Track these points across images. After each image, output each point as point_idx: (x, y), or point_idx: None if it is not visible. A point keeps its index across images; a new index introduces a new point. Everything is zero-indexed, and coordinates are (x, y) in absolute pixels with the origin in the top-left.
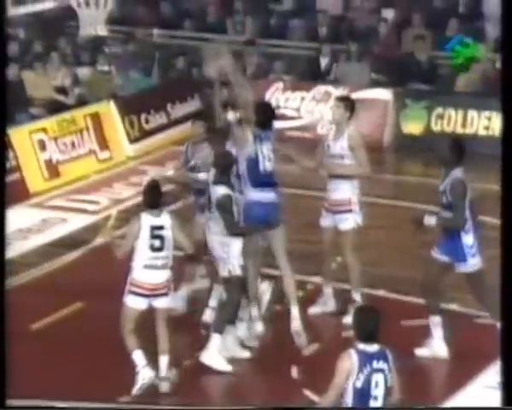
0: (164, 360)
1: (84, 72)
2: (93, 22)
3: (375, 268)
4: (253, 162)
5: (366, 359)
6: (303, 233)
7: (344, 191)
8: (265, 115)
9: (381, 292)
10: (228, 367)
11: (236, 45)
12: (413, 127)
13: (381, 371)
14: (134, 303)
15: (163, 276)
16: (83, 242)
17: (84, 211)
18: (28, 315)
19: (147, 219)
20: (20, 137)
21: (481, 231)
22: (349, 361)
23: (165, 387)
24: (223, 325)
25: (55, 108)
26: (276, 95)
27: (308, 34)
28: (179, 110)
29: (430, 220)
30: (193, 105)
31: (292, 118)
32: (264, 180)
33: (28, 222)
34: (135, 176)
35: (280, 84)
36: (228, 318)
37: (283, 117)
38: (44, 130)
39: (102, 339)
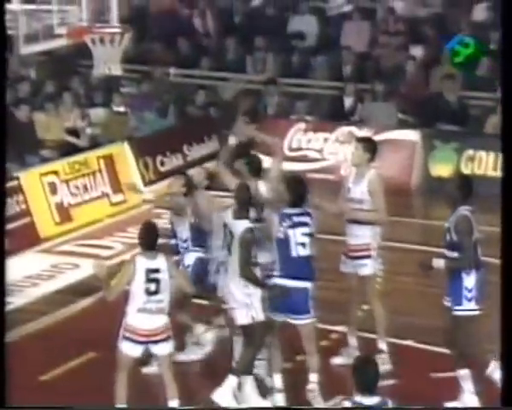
0: (174, 403)
1: (97, 113)
2: (107, 61)
3: (402, 316)
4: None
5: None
6: (326, 280)
7: (363, 237)
8: (297, 192)
9: (408, 342)
10: None
11: (256, 84)
12: (442, 169)
13: None
14: (128, 349)
15: (159, 321)
16: (95, 289)
17: (97, 256)
18: (37, 366)
19: (142, 262)
20: (31, 180)
21: (484, 275)
22: None
23: None
24: (243, 370)
25: (66, 150)
26: (298, 136)
27: (332, 73)
28: (196, 151)
29: (439, 263)
30: (211, 146)
31: (314, 160)
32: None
33: (38, 268)
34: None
35: (302, 125)
36: (249, 364)
37: (305, 159)
38: (56, 172)
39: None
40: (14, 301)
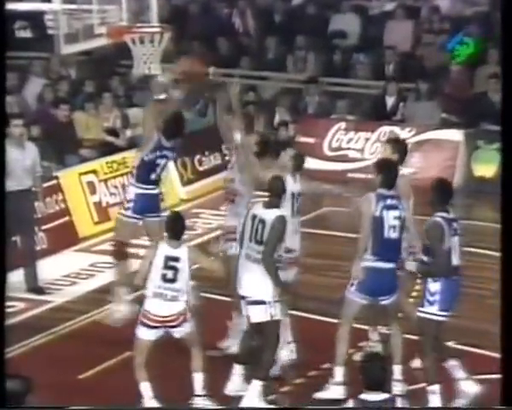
0: (199, 378)
1: (135, 113)
2: (147, 61)
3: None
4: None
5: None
6: None
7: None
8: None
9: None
10: None
11: (297, 83)
12: (485, 170)
13: None
14: (144, 335)
15: (174, 308)
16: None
17: (135, 256)
18: (75, 365)
19: (163, 249)
20: (70, 179)
21: (457, 282)
22: None
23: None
24: (266, 373)
25: (105, 149)
26: (339, 135)
27: (374, 71)
28: None
29: (411, 266)
30: None
31: (355, 159)
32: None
33: (77, 267)
34: (188, 219)
35: (343, 124)
36: (270, 363)
37: (345, 158)
38: (94, 172)
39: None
40: (54, 300)
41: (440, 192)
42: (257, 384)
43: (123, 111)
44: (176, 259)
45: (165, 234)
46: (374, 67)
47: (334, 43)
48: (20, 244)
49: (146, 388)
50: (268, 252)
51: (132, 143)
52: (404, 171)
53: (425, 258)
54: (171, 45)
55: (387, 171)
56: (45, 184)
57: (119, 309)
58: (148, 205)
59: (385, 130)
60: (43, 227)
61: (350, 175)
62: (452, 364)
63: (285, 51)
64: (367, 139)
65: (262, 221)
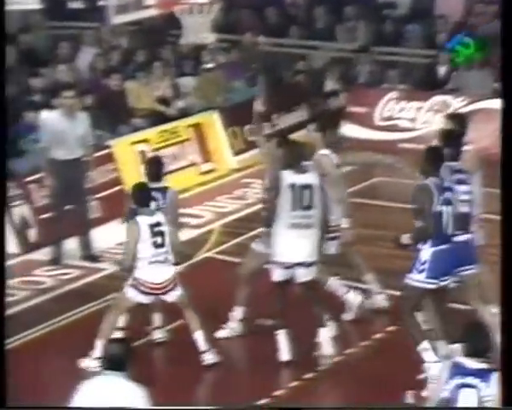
0: (201, 336)
1: (186, 82)
2: (197, 30)
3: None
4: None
5: (460, 371)
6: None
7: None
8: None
9: None
10: None
11: (347, 53)
12: None
13: (474, 387)
14: (134, 296)
15: (168, 272)
16: (185, 257)
17: (186, 225)
18: (128, 333)
19: (143, 220)
20: (122, 148)
21: (451, 252)
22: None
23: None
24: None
25: (157, 119)
26: (390, 105)
27: (425, 41)
28: (285, 121)
29: (405, 239)
30: (299, 115)
31: (406, 129)
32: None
33: None
34: (238, 189)
35: (394, 94)
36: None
37: (397, 128)
38: (146, 141)
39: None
40: (107, 268)
41: (431, 159)
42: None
43: (174, 80)
44: (158, 224)
45: (137, 204)
46: (425, 36)
47: (384, 13)
48: (73, 213)
49: (99, 346)
50: (325, 213)
51: (183, 112)
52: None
53: (415, 223)
54: (220, 15)
55: (452, 140)
56: (98, 154)
57: None
58: None
59: (437, 99)
60: (96, 196)
61: (401, 145)
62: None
63: (334, 21)
64: (418, 109)
65: (307, 186)
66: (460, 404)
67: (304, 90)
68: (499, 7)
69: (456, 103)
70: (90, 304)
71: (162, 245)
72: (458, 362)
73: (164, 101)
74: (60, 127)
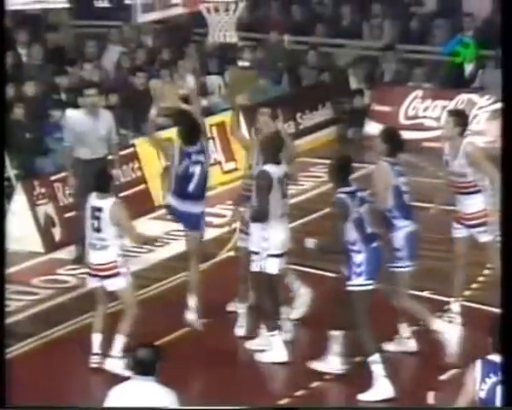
0: (120, 340)
1: (212, 80)
2: (222, 29)
3: None
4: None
5: (492, 369)
6: (430, 250)
7: (476, 204)
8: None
9: None
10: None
11: (373, 51)
12: None
13: None
14: (89, 282)
15: (105, 257)
16: (207, 256)
17: (209, 224)
18: (151, 331)
19: (91, 200)
20: (146, 147)
21: (379, 251)
22: (473, 373)
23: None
24: (274, 323)
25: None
26: (415, 103)
27: (452, 39)
28: (309, 119)
29: (309, 243)
30: (324, 114)
31: (431, 128)
32: None
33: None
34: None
35: (419, 92)
36: (272, 313)
37: (421, 127)
38: (169, 140)
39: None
40: (130, 267)
41: (338, 170)
42: (275, 335)
43: (199, 79)
44: (99, 209)
45: (93, 186)
46: (452, 34)
47: (410, 11)
48: None
49: (97, 339)
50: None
51: (207, 112)
52: (474, 138)
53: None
54: (246, 13)
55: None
56: (122, 152)
57: None
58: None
59: (463, 98)
60: (120, 194)
61: (426, 144)
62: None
63: (360, 19)
64: (444, 107)
65: (284, 177)
66: (499, 403)
67: (329, 88)
68: (499, 7)
69: (483, 102)
70: (113, 303)
71: (98, 230)
72: (489, 360)
73: (188, 100)
74: (83, 126)
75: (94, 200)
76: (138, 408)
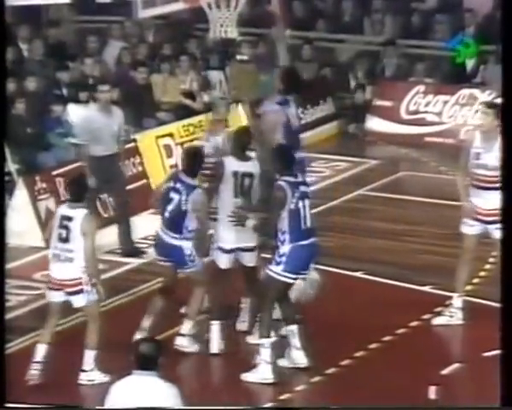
0: (90, 354)
1: (212, 76)
2: (223, 24)
3: None
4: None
5: None
6: (437, 245)
7: (498, 201)
8: None
9: None
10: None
11: (374, 46)
12: None
13: None
14: (49, 296)
15: (70, 271)
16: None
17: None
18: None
19: (61, 209)
20: (147, 142)
21: (309, 248)
22: None
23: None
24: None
25: (182, 112)
26: (417, 98)
27: (453, 34)
28: (311, 115)
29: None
30: (325, 109)
31: (432, 123)
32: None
33: (154, 230)
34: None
35: (421, 87)
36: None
37: (423, 122)
38: (171, 135)
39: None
40: (131, 262)
41: (282, 158)
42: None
43: (200, 74)
44: (69, 218)
45: (68, 194)
46: (453, 30)
47: (412, 6)
48: (112, 208)
49: (41, 350)
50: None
51: (209, 107)
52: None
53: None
54: (247, 9)
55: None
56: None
57: None
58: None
59: (464, 93)
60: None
61: (427, 139)
62: (291, 329)
63: (361, 14)
64: (445, 102)
65: (249, 175)
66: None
67: (330, 83)
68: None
69: (484, 97)
70: (114, 298)
71: (66, 241)
72: None
73: (189, 94)
74: (97, 123)
75: (64, 209)
76: (138, 408)
